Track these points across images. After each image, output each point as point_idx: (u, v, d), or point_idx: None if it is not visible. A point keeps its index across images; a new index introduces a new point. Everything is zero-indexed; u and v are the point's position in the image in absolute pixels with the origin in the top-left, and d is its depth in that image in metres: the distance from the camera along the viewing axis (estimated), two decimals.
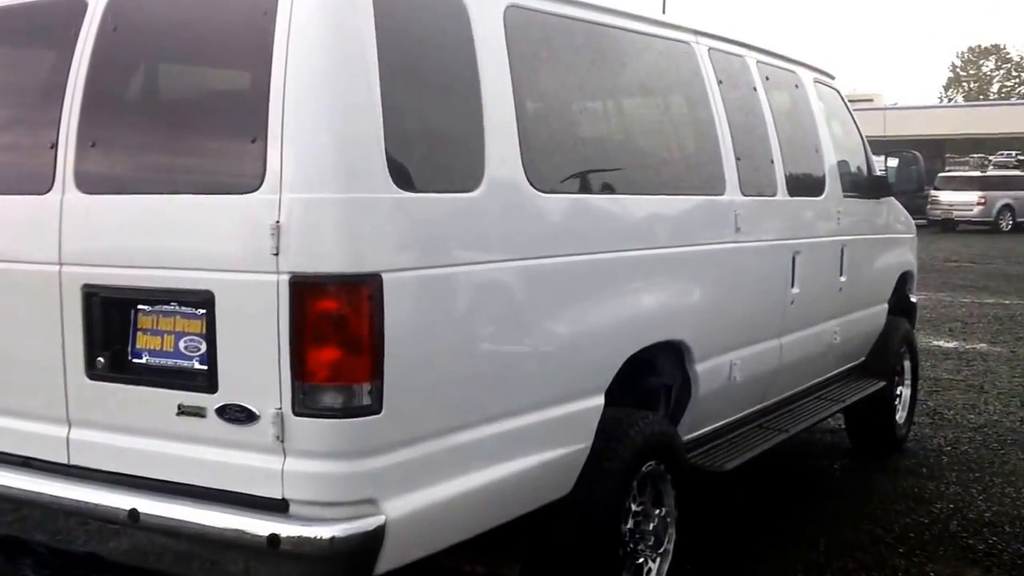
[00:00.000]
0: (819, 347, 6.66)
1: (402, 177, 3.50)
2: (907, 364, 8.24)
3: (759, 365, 5.84)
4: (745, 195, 5.53)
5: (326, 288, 3.36)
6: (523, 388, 4.03)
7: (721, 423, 5.72)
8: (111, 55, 3.85)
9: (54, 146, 3.85)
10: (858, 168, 7.43)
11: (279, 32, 3.43)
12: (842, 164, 7.06)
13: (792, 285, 6.09)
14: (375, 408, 3.41)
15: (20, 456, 4.01)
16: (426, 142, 3.81)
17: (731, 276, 5.44)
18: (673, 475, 4.91)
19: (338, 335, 3.38)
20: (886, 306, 7.84)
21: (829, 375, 7.18)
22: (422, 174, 3.65)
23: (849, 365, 7.54)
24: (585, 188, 4.46)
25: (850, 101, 7.82)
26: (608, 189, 4.61)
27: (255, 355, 3.45)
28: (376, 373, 3.40)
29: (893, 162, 7.64)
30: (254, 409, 3.46)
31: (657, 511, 4.77)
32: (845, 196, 6.94)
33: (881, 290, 7.78)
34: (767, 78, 6.13)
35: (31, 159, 3.96)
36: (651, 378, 5.19)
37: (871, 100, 45.12)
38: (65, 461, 3.90)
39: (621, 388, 4.82)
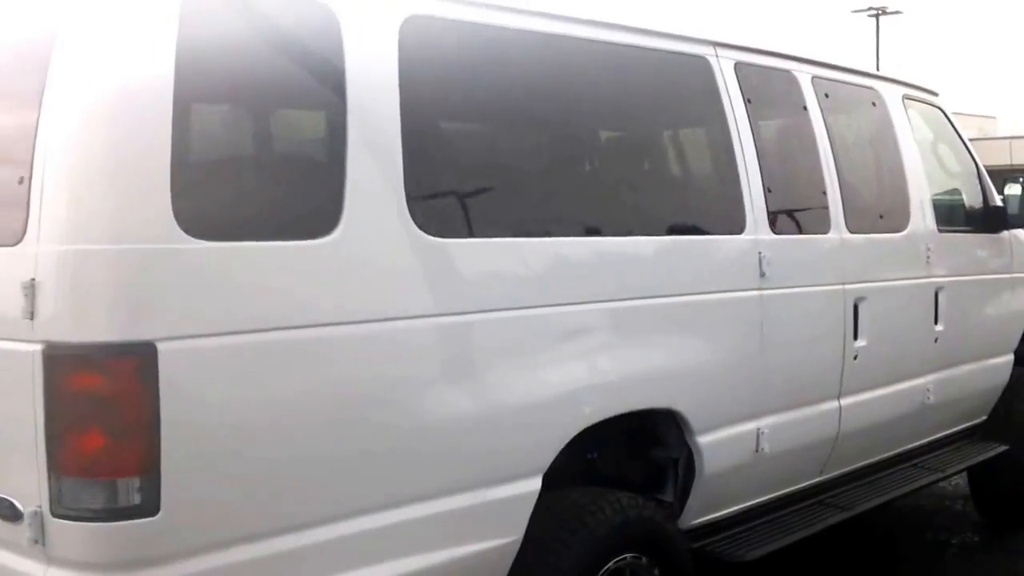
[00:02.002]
0: (903, 408, 5.65)
1: (197, 225, 2.87)
2: None
3: (806, 433, 4.96)
4: (777, 233, 4.68)
5: (85, 361, 2.78)
6: (392, 478, 3.31)
7: (755, 501, 4.85)
8: None
9: None
10: (967, 197, 6.40)
11: (57, 53, 2.89)
12: (941, 193, 6.07)
13: (855, 337, 5.17)
14: (148, 509, 2.80)
15: None
16: (241, 179, 3.18)
17: (752, 330, 4.57)
18: (663, 569, 4.13)
19: (99, 419, 2.78)
20: (1011, 357, 6.69)
21: (931, 439, 6.15)
22: (231, 220, 3.02)
23: (963, 426, 6.47)
24: (500, 229, 3.69)
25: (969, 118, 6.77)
26: (537, 231, 3.82)
27: (18, 440, 2.87)
28: (148, 466, 2.78)
29: (1014, 190, 6.52)
30: (19, 505, 2.89)
31: None
32: (942, 231, 5.92)
33: (1003, 339, 6.64)
34: (826, 95, 5.24)
35: None
36: (658, 450, 4.44)
37: (994, 118, 39.86)
38: None
39: (620, 462, 4.28)
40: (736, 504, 4.74)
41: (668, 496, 4.45)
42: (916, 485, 5.80)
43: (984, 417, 6.64)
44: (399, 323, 3.32)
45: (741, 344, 4.53)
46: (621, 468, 4.45)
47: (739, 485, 4.67)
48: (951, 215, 6.17)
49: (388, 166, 3.33)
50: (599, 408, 3.89)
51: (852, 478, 5.51)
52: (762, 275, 4.58)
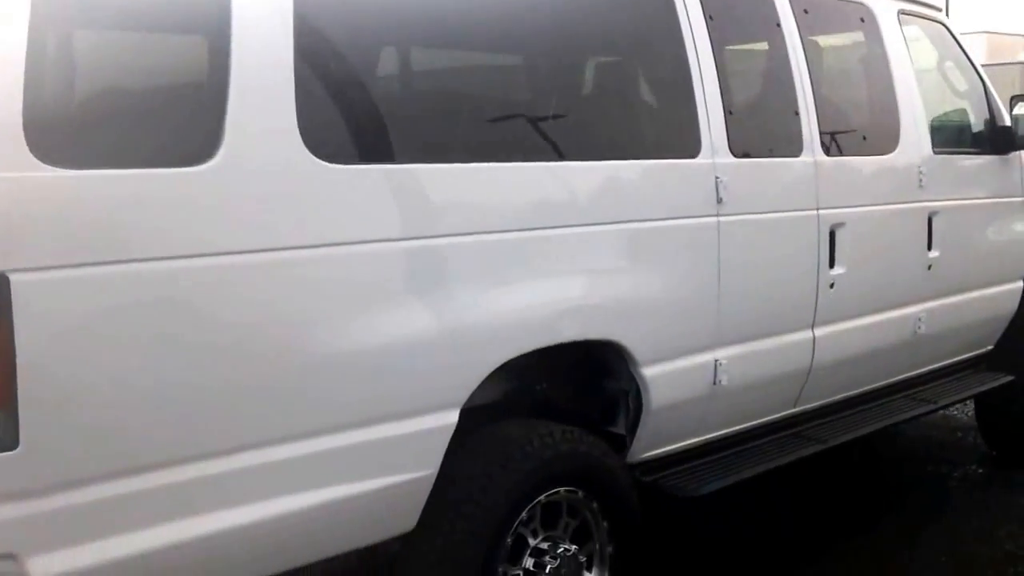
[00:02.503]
0: (890, 339, 5.44)
1: (54, 153, 2.76)
2: None
3: (774, 365, 4.79)
4: (737, 156, 4.48)
5: None
6: (283, 411, 3.20)
7: (718, 434, 4.71)
8: None
9: None
10: (970, 118, 6.09)
11: None
12: (939, 114, 5.78)
13: (831, 265, 4.96)
14: (7, 443, 2.73)
15: None
16: (105, 106, 3.04)
17: (707, 258, 4.37)
18: (603, 503, 4.04)
19: None
20: (1020, 284, 6.42)
21: (927, 369, 5.93)
22: (93, 147, 2.90)
23: (966, 356, 6.24)
24: (408, 155, 3.53)
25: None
26: (456, 156, 3.65)
27: None
28: (4, 400, 2.71)
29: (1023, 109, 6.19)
30: None
31: (570, 548, 3.92)
32: (938, 152, 5.64)
33: (1010, 266, 6.36)
34: (805, 11, 4.99)
35: None
36: (608, 382, 4.32)
37: None
38: None
39: (573, 394, 4.22)
40: (695, 437, 4.61)
41: (620, 428, 4.34)
42: (904, 416, 5.60)
43: (990, 347, 6.39)
44: (289, 252, 3.18)
45: (694, 273, 4.36)
46: (575, 400, 4.36)
47: (695, 418, 4.52)
48: (953, 136, 5.88)
49: (278, 91, 3.17)
50: (519, 342, 3.73)
51: (834, 410, 5.33)
52: (719, 201, 4.39)
